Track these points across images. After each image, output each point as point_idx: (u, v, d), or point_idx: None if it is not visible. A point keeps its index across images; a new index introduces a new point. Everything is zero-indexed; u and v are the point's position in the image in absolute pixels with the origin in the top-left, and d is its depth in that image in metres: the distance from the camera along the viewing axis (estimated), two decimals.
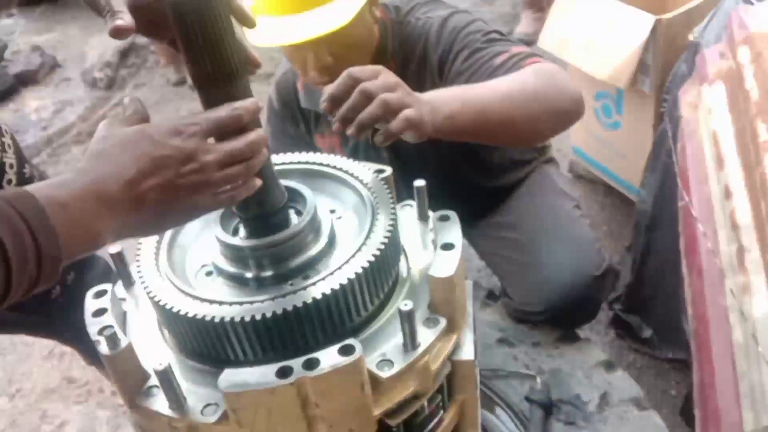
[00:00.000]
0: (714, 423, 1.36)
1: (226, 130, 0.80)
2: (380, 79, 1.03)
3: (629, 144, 2.40)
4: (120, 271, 1.05)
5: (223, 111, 0.80)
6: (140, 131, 0.76)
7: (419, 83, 1.58)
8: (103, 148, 0.75)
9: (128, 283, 1.06)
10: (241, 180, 0.82)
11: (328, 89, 0.98)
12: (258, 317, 0.83)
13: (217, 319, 0.83)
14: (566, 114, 1.35)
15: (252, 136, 0.81)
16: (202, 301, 0.87)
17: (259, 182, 0.84)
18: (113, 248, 1.03)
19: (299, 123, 1.85)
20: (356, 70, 1.02)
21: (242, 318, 0.83)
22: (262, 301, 0.85)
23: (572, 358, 1.69)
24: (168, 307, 0.86)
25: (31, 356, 2.48)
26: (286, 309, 0.84)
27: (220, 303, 0.86)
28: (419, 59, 1.59)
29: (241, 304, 0.85)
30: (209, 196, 0.79)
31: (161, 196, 0.75)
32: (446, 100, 1.12)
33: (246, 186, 0.83)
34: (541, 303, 1.68)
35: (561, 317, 1.72)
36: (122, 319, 1.00)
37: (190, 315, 0.84)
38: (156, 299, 0.88)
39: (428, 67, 1.58)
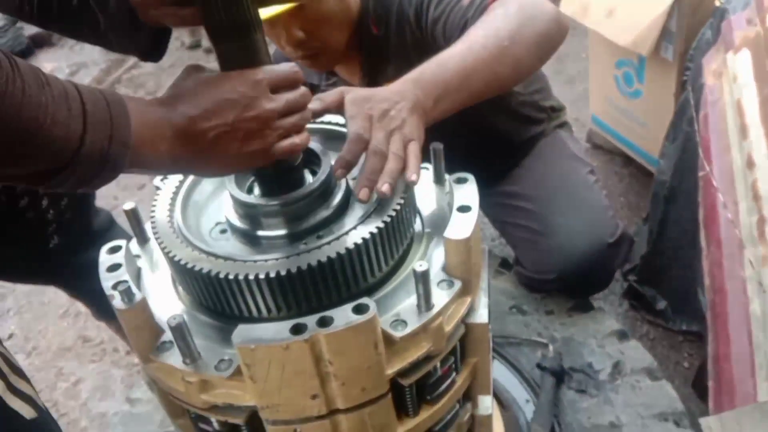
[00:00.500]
0: (728, 394, 1.35)
1: (285, 84, 0.83)
2: (380, 129, 1.00)
3: (650, 113, 2.36)
4: (134, 228, 1.05)
5: (285, 66, 0.84)
6: (213, 77, 0.81)
7: (400, 39, 1.61)
8: (181, 85, 0.81)
9: (142, 241, 1.06)
10: (295, 132, 0.85)
11: (341, 157, 0.96)
12: (272, 275, 0.82)
13: (231, 276, 0.83)
14: (548, 40, 1.29)
15: (303, 89, 0.86)
16: (217, 258, 0.86)
17: (309, 136, 0.88)
18: (127, 205, 1.03)
19: None
20: (359, 127, 0.99)
21: (256, 275, 0.82)
22: (276, 259, 0.84)
23: (585, 327, 1.69)
24: (183, 263, 0.86)
25: (47, 315, 2.52)
26: (301, 267, 0.83)
27: (235, 260, 0.85)
28: (398, 16, 1.60)
29: (255, 261, 0.85)
30: (266, 145, 0.82)
31: (219, 137, 0.79)
32: (429, 90, 1.10)
33: (302, 137, 0.86)
34: (554, 270, 1.67)
35: (574, 285, 1.70)
36: (136, 275, 1.00)
37: (204, 271, 0.84)
38: (171, 255, 0.88)
39: (406, 22, 1.59)
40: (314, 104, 1.00)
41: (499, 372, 1.62)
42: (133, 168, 0.75)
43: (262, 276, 0.82)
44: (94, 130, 0.69)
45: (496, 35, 1.21)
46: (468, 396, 1.08)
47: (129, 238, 1.05)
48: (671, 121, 2.01)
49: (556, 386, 1.56)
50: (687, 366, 2.02)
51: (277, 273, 0.83)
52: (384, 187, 0.91)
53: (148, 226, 1.06)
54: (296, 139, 0.85)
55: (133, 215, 1.03)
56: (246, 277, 0.82)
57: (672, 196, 2.00)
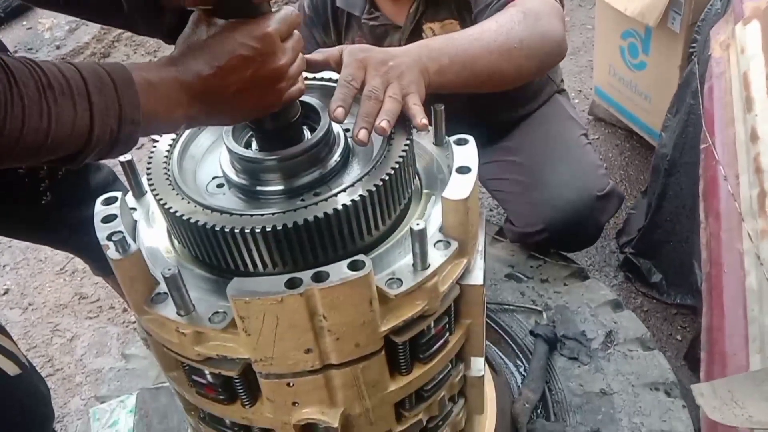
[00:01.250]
0: (720, 365, 1.36)
1: (290, 33, 0.84)
2: (375, 75, 0.99)
3: (654, 86, 2.34)
4: (130, 181, 1.04)
5: (289, 13, 0.83)
6: (223, 29, 0.79)
7: None
8: (191, 41, 0.80)
9: (138, 194, 1.06)
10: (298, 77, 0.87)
11: (334, 101, 0.95)
12: (269, 229, 0.82)
13: (227, 229, 0.82)
14: (549, 58, 1.36)
15: (297, 33, 0.86)
16: (213, 211, 0.85)
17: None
18: (123, 157, 1.01)
19: (330, 30, 1.82)
20: (348, 74, 0.98)
21: (252, 228, 0.82)
22: (273, 214, 0.84)
23: (580, 296, 1.69)
24: (179, 214, 0.86)
25: (44, 272, 2.52)
26: (297, 223, 0.83)
27: (231, 213, 0.85)
28: None
29: (251, 215, 0.84)
30: (279, 95, 0.84)
31: (235, 93, 0.80)
32: (434, 56, 1.11)
33: (302, 80, 0.88)
34: (543, 221, 1.67)
35: (562, 238, 1.71)
36: (132, 227, 1.00)
37: (200, 223, 0.84)
38: (167, 207, 0.87)
39: None
40: (315, 55, 0.99)
41: (493, 339, 1.63)
42: (147, 135, 0.77)
43: (258, 230, 0.82)
44: (101, 119, 0.70)
45: (507, 35, 1.24)
46: (461, 357, 1.08)
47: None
48: (675, 93, 1.99)
49: (549, 353, 1.57)
50: (679, 339, 2.03)
51: (273, 227, 0.82)
52: (382, 123, 0.91)
53: (144, 180, 1.05)
54: (301, 84, 0.87)
55: (129, 167, 1.02)
56: (242, 231, 0.82)
57: (672, 169, 1.99)
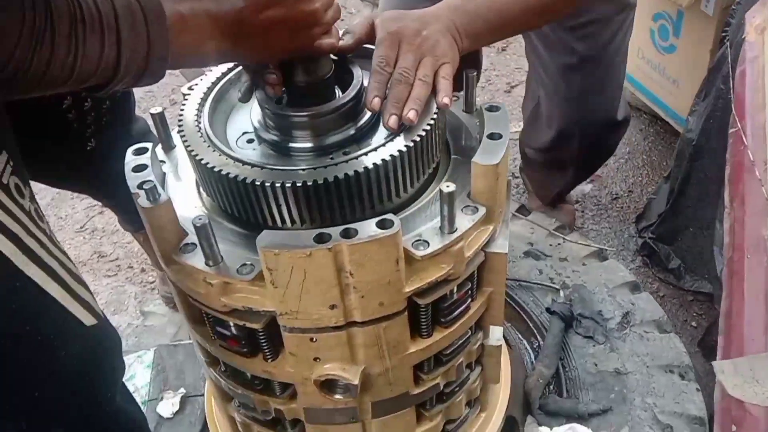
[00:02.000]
0: (737, 350, 1.35)
1: None
2: (408, 51, 0.97)
3: (683, 70, 2.30)
4: (160, 133, 1.05)
5: None
6: None
7: None
8: None
9: (168, 147, 1.06)
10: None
11: (371, 91, 0.93)
12: (299, 184, 0.82)
13: (258, 182, 0.83)
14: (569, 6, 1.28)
15: None
16: (244, 164, 0.86)
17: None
18: (155, 109, 1.02)
19: None
20: (381, 57, 0.96)
21: (283, 183, 0.82)
22: (303, 170, 0.84)
23: (598, 276, 1.69)
24: (210, 166, 0.86)
25: (64, 229, 2.55)
26: (327, 179, 0.83)
27: (262, 167, 0.85)
28: None
29: (282, 170, 0.84)
30: (312, 39, 0.85)
31: (270, 28, 0.80)
32: (469, 21, 1.06)
33: (336, 36, 0.90)
34: (562, 126, 1.72)
35: (571, 152, 1.78)
36: (161, 179, 1.00)
37: (231, 175, 0.84)
38: (198, 158, 0.88)
39: None
40: (346, 39, 0.98)
41: (508, 315, 1.63)
42: (177, 68, 0.79)
43: (288, 184, 0.82)
44: (128, 55, 0.72)
45: None
46: (480, 325, 1.09)
47: None
48: (705, 77, 1.96)
49: (564, 331, 1.57)
50: (694, 325, 2.03)
51: (304, 183, 0.83)
52: (410, 114, 0.90)
53: (174, 133, 1.06)
54: (334, 39, 0.88)
55: (160, 120, 1.02)
56: (272, 185, 0.82)
57: (697, 155, 1.97)
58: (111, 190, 1.59)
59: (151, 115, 1.02)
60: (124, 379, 1.56)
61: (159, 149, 1.06)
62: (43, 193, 2.60)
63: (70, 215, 2.59)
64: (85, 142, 1.39)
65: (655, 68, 2.43)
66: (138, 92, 2.40)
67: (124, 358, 1.62)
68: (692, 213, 2.05)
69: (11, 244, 0.79)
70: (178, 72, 3.20)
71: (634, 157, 2.56)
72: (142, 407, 1.51)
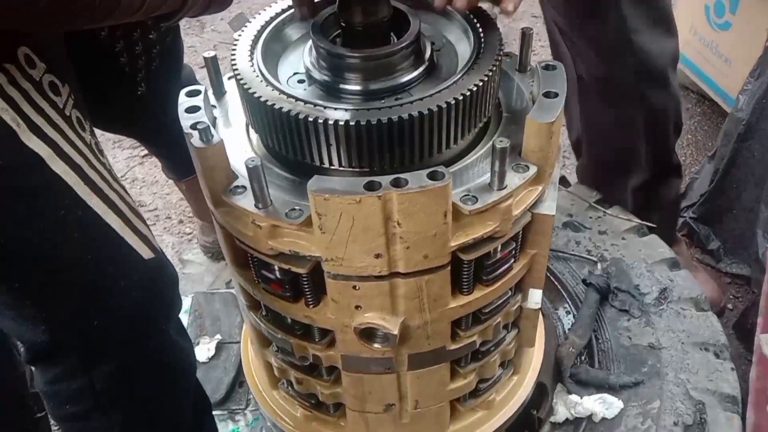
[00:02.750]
0: None
1: None
2: None
3: (736, 48, 2.24)
4: (212, 78, 1.05)
5: None
6: None
7: None
8: None
9: (219, 93, 1.07)
10: None
11: None
12: (352, 123, 0.82)
13: (311, 118, 0.83)
14: None
15: None
16: (297, 100, 0.86)
17: None
18: (208, 53, 1.02)
19: None
20: None
21: (336, 121, 0.82)
22: (356, 109, 0.84)
23: (637, 251, 1.67)
24: (263, 99, 0.86)
25: None
26: (381, 120, 0.83)
27: (315, 104, 0.85)
28: None
29: (334, 108, 0.84)
30: None
31: None
32: None
33: None
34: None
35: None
36: (213, 123, 1.01)
37: (284, 110, 0.84)
38: (251, 92, 0.88)
39: None
40: None
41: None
42: None
43: (341, 122, 0.82)
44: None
45: None
46: (520, 287, 1.09)
47: None
48: (760, 55, 1.90)
49: (599, 303, 1.56)
50: (731, 308, 2.00)
51: (357, 122, 0.82)
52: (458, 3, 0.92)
53: (225, 79, 1.06)
54: None
55: (212, 64, 1.03)
56: (326, 122, 0.82)
57: (746, 135, 1.92)
58: (158, 135, 1.62)
59: (204, 58, 1.02)
60: None
61: (210, 94, 1.06)
62: None
63: (111, 165, 2.64)
64: (136, 86, 1.41)
65: (708, 45, 2.36)
66: None
67: None
68: (736, 194, 2.01)
69: (74, 174, 0.81)
70: (221, 29, 3.21)
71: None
72: None
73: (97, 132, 0.98)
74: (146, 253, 0.93)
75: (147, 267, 0.93)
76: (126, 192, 0.94)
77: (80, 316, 0.88)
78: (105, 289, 0.89)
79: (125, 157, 2.65)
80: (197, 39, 3.20)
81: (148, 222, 2.37)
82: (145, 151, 2.63)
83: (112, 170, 0.92)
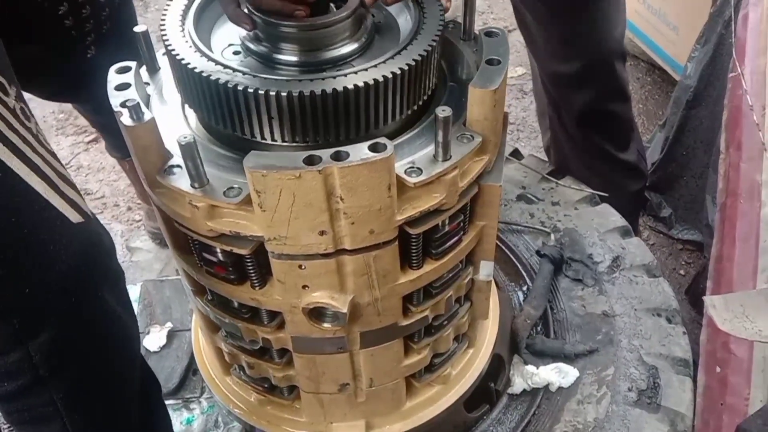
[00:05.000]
0: (726, 293, 1.36)
1: None
2: None
3: (683, 16, 2.26)
4: (144, 54, 1.00)
5: None
6: None
7: None
8: None
9: (153, 69, 1.02)
10: None
11: None
12: (294, 93, 0.79)
13: (250, 89, 0.79)
14: None
15: None
16: (234, 71, 0.82)
17: None
18: (138, 27, 0.98)
19: None
20: None
21: (278, 92, 0.79)
22: (295, 80, 0.81)
23: (590, 221, 1.68)
24: (197, 71, 0.82)
25: None
26: (314, 92, 0.80)
27: (253, 75, 0.81)
28: None
29: (274, 79, 0.81)
30: None
31: None
32: None
33: None
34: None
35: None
36: (146, 100, 0.97)
37: (221, 81, 0.80)
38: (185, 63, 0.84)
39: None
40: None
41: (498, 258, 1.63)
42: None
43: (283, 92, 0.79)
44: None
45: None
46: (471, 260, 1.08)
47: None
48: (706, 23, 1.92)
49: (554, 274, 1.57)
50: (683, 273, 2.04)
51: (300, 93, 0.79)
52: None
53: (159, 55, 1.02)
54: None
55: (143, 39, 0.98)
56: (266, 93, 0.79)
57: (694, 102, 1.95)
58: (101, 105, 1.56)
59: (135, 33, 0.98)
60: None
61: (143, 71, 1.02)
62: None
63: (55, 151, 2.55)
64: (85, 50, 1.37)
65: (656, 13, 2.38)
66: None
67: None
68: (686, 161, 2.04)
69: None
70: None
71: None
72: None
73: (38, 117, 0.93)
74: (74, 217, 0.89)
75: (77, 231, 0.89)
76: (55, 158, 0.89)
77: (9, 283, 0.84)
78: (34, 254, 0.85)
79: (69, 144, 2.56)
80: (141, 19, 3.09)
81: (95, 211, 2.30)
82: (90, 137, 2.55)
83: (39, 134, 0.88)
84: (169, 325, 1.50)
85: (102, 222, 1.90)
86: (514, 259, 1.64)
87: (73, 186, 0.91)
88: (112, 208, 2.29)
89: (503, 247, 1.66)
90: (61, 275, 0.88)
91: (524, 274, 1.62)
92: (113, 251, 0.99)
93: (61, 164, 0.91)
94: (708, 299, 0.94)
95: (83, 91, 1.53)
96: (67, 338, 0.93)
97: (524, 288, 1.59)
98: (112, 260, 0.99)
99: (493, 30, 0.95)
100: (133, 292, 1.58)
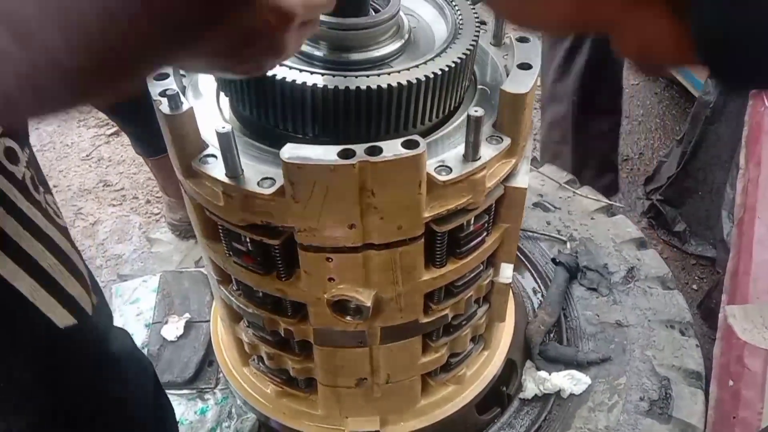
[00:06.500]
0: None
1: None
2: None
3: None
4: None
5: None
6: None
7: None
8: None
9: None
10: None
11: None
12: (330, 87, 0.81)
13: (288, 79, 0.81)
14: None
15: None
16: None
17: None
18: None
19: None
20: None
21: (314, 84, 0.81)
22: (335, 76, 0.83)
23: (606, 231, 1.69)
24: None
25: (69, 156, 2.53)
26: (349, 87, 0.81)
27: (290, 67, 0.83)
28: None
29: (310, 72, 0.83)
30: None
31: None
32: None
33: None
34: None
35: None
36: (182, 91, 0.99)
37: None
38: None
39: None
40: None
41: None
42: None
43: (320, 85, 0.81)
44: None
45: None
46: (492, 261, 1.09)
47: None
48: None
49: (568, 281, 1.58)
50: (695, 288, 2.04)
51: (335, 87, 0.81)
52: None
53: None
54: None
55: None
56: (303, 84, 0.81)
57: (713, 117, 1.96)
58: (135, 113, 1.58)
59: None
60: (128, 303, 1.57)
61: None
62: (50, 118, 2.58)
63: (76, 143, 2.58)
64: None
65: None
66: None
67: (129, 282, 1.63)
68: (702, 176, 2.05)
69: None
70: None
71: (647, 120, 2.54)
72: (145, 330, 1.53)
73: None
74: (63, 321, 0.76)
75: (63, 339, 0.76)
76: (65, 234, 0.80)
77: None
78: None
79: (90, 136, 2.59)
80: None
81: (115, 202, 2.33)
82: (111, 130, 2.58)
83: (50, 207, 0.80)
84: (186, 315, 1.52)
85: (120, 213, 1.90)
86: (530, 266, 1.66)
87: (78, 275, 0.81)
88: (131, 200, 2.32)
89: (519, 254, 1.67)
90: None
91: (539, 282, 1.63)
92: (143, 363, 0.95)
93: (72, 244, 0.82)
94: (728, 309, 0.95)
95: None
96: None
97: (539, 295, 1.60)
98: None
99: (525, 36, 0.97)
100: (152, 282, 1.60)
